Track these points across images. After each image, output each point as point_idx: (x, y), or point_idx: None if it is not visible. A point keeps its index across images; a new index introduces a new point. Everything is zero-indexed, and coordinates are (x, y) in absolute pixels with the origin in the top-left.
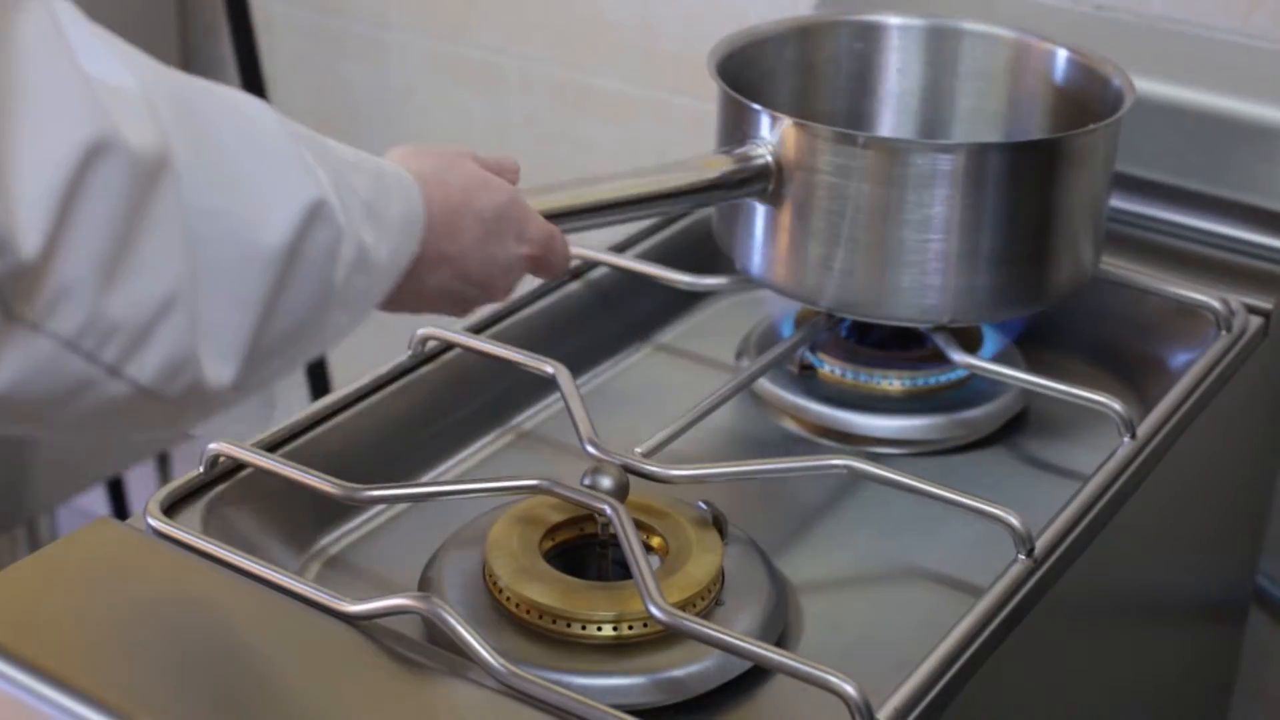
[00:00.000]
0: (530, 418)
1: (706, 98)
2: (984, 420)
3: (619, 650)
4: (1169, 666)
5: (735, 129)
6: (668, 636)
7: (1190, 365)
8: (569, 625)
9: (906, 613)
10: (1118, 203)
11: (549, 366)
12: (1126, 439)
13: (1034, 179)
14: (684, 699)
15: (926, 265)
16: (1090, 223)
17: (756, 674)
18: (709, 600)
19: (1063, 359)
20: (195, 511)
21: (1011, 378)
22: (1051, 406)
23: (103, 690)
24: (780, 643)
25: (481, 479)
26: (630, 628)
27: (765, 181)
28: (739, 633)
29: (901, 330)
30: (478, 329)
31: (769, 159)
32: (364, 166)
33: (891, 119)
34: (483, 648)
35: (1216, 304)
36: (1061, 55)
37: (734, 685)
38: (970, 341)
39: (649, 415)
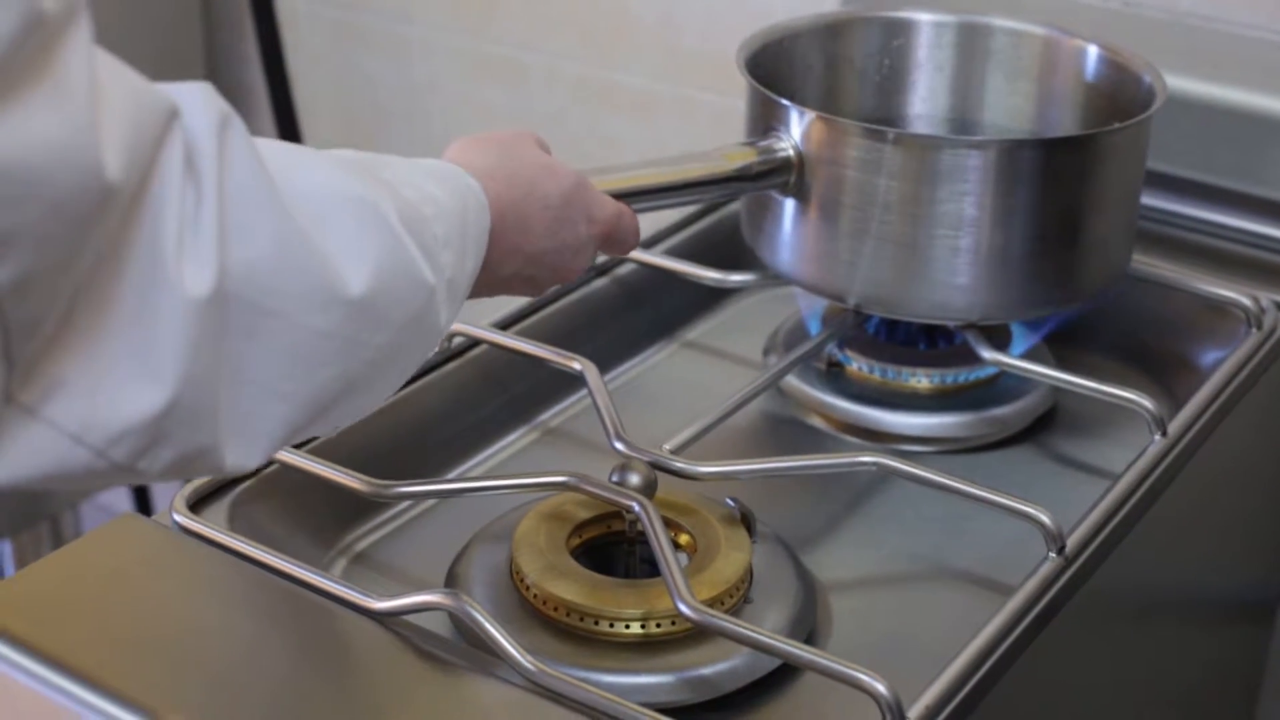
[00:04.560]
0: (558, 414)
1: (730, 94)
2: (1013, 418)
3: (647, 648)
4: (1197, 665)
5: (761, 123)
6: (696, 634)
7: (1221, 363)
8: (596, 623)
9: (936, 611)
10: (1147, 200)
11: (576, 363)
12: (1157, 437)
13: (1065, 176)
14: (713, 697)
15: (955, 263)
16: (1123, 220)
17: (785, 672)
18: (737, 598)
19: (1092, 356)
20: (221, 507)
21: (1041, 375)
22: (1081, 404)
23: (128, 687)
24: (809, 641)
25: (509, 475)
26: (658, 625)
27: (787, 174)
28: (768, 630)
29: (930, 327)
30: (505, 325)
31: (791, 152)
32: (434, 196)
33: (921, 115)
34: (510, 645)
35: (1247, 301)
36: (1093, 52)
37: (763, 684)
38: (999, 338)
39: (676, 412)
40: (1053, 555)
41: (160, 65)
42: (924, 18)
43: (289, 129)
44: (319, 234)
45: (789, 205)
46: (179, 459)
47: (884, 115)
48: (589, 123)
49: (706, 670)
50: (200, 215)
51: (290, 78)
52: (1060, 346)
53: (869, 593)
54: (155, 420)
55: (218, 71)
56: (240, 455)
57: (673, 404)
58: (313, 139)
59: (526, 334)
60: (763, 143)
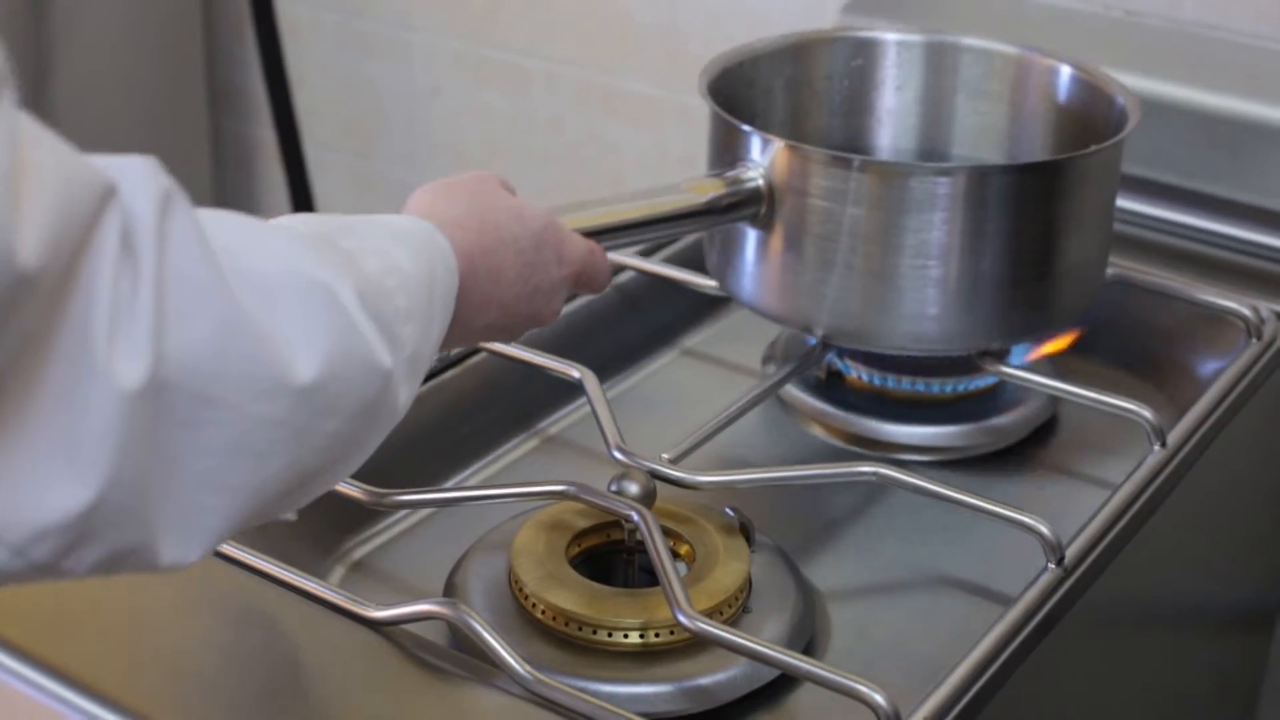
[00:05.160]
0: (556, 422)
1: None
2: (1013, 427)
3: (645, 657)
4: (1196, 674)
5: (726, 151)
6: (694, 644)
7: (1220, 373)
8: (595, 632)
9: (935, 621)
10: (1148, 208)
11: (575, 371)
12: (1157, 447)
13: (1037, 202)
14: (711, 707)
15: (927, 293)
16: (1097, 244)
17: (784, 682)
18: (736, 608)
19: (1091, 366)
20: None
21: (1041, 385)
22: (1080, 414)
23: (125, 694)
24: (808, 651)
25: (507, 484)
26: (657, 635)
27: (757, 205)
28: (766, 640)
29: None
30: None
31: (760, 182)
32: (399, 265)
33: (890, 137)
34: (508, 654)
35: (1247, 311)
36: (1065, 72)
37: (761, 693)
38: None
39: (675, 421)
40: (1052, 566)
41: (160, 71)
42: (889, 37)
43: (289, 135)
44: (266, 318)
45: (752, 233)
46: (107, 557)
47: (850, 138)
48: (590, 129)
49: (705, 680)
50: (136, 300)
51: (291, 83)
52: (1060, 356)
53: (868, 603)
54: (80, 518)
55: (217, 77)
56: (178, 552)
57: (672, 413)
58: (313, 145)
59: (525, 342)
60: (730, 173)
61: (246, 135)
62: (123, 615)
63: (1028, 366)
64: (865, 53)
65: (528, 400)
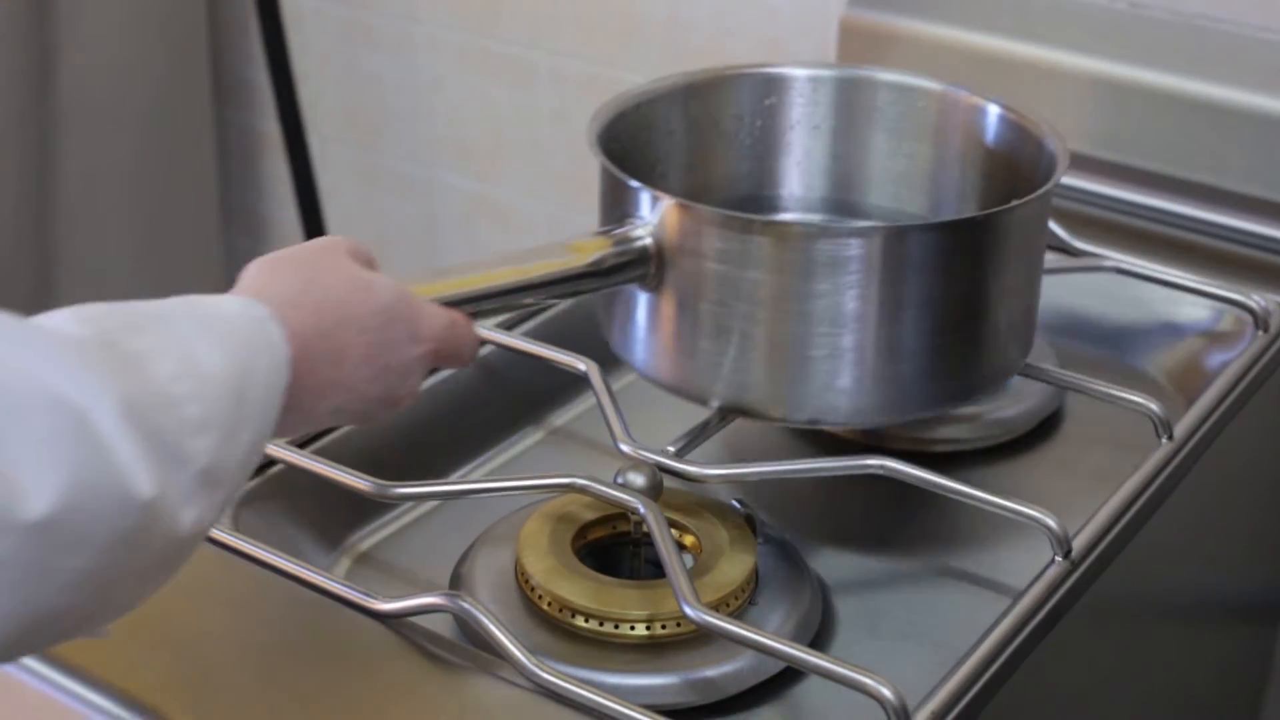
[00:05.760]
0: (562, 415)
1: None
2: (1019, 420)
3: (652, 650)
4: (1203, 668)
5: (614, 207)
6: (701, 636)
7: (1227, 365)
8: (601, 624)
9: (942, 614)
10: (1154, 201)
11: (581, 363)
12: (1163, 440)
13: (960, 261)
14: (717, 699)
15: (837, 364)
16: (1025, 302)
17: (790, 674)
18: (742, 600)
19: (1097, 359)
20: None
21: (1048, 377)
22: (1086, 407)
23: (132, 686)
24: (814, 644)
25: (513, 476)
26: (663, 627)
27: (644, 267)
28: (772, 633)
29: None
30: (509, 325)
31: (649, 241)
32: (198, 367)
33: (804, 182)
34: (514, 646)
35: (1254, 304)
36: (992, 112)
37: (767, 686)
38: None
39: (681, 413)
40: (1058, 559)
41: (165, 64)
42: (798, 73)
43: (293, 128)
44: None
45: (644, 297)
46: None
47: (760, 184)
48: None
49: (711, 672)
50: None
51: (295, 76)
52: (1066, 348)
53: (874, 596)
54: None
55: (222, 70)
56: None
57: (678, 405)
58: (318, 137)
59: (531, 334)
60: (618, 231)
61: (251, 128)
62: None
63: (1033, 360)
64: (777, 90)
65: (533, 393)
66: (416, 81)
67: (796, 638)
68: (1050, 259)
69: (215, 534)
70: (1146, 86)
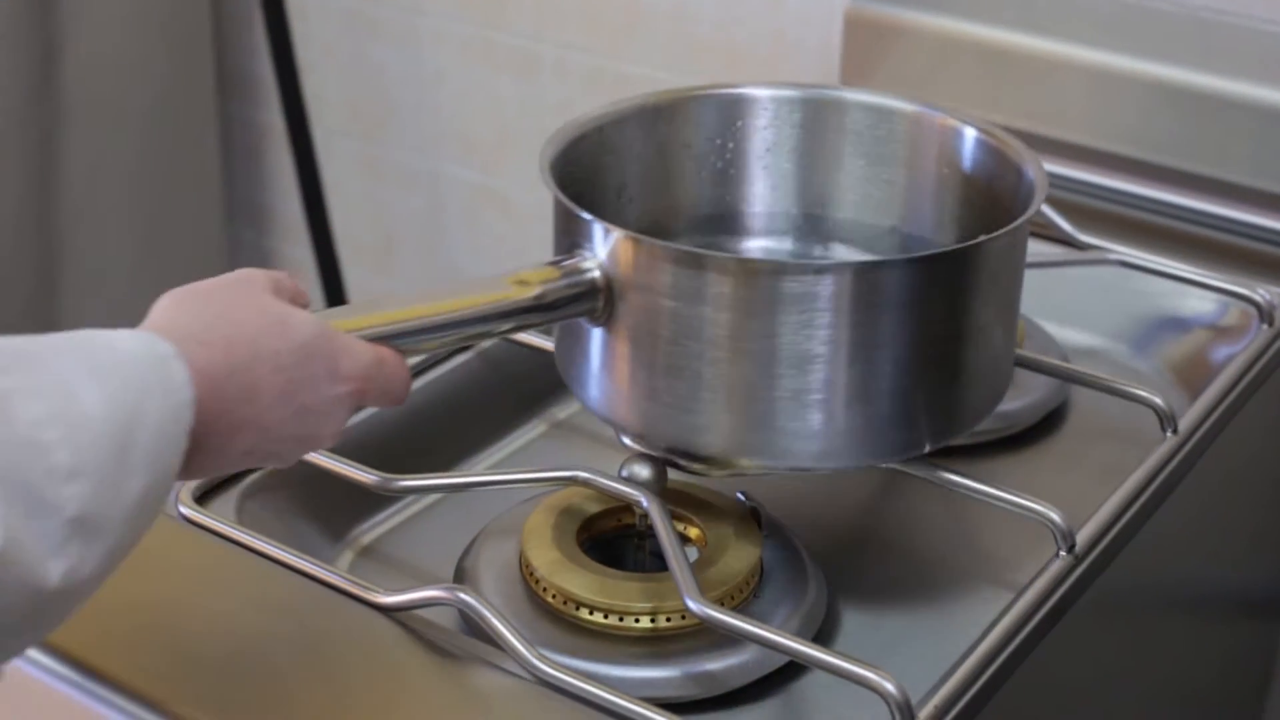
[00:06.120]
0: (566, 408)
1: (743, 85)
2: (1023, 413)
3: (655, 642)
4: (1207, 662)
5: (565, 235)
6: (704, 630)
7: (1232, 359)
8: (605, 617)
9: (946, 608)
10: (1161, 194)
11: None
12: (1168, 434)
13: (937, 297)
14: (720, 693)
15: (804, 407)
16: (1004, 335)
17: (793, 669)
18: (746, 593)
19: (1102, 352)
20: (228, 500)
21: (1052, 370)
22: (1091, 400)
23: (135, 678)
24: (818, 638)
25: (517, 469)
26: (667, 620)
27: (593, 301)
28: (776, 627)
29: None
30: None
31: (597, 274)
32: (75, 410)
33: (772, 207)
34: (517, 639)
35: (1259, 297)
36: (969, 135)
37: (771, 679)
38: None
39: None
40: (1063, 553)
41: (169, 57)
42: (763, 93)
43: (298, 121)
44: None
45: (598, 335)
46: None
47: (726, 208)
48: None
49: (714, 666)
50: None
51: (299, 68)
52: (1071, 342)
53: (877, 590)
54: None
55: (226, 63)
56: None
57: None
58: (322, 130)
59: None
60: (567, 262)
61: (255, 120)
62: (133, 600)
63: (1038, 352)
64: (745, 111)
65: (537, 386)
66: (421, 74)
67: (800, 632)
68: (1055, 252)
69: (218, 527)
70: (1152, 79)
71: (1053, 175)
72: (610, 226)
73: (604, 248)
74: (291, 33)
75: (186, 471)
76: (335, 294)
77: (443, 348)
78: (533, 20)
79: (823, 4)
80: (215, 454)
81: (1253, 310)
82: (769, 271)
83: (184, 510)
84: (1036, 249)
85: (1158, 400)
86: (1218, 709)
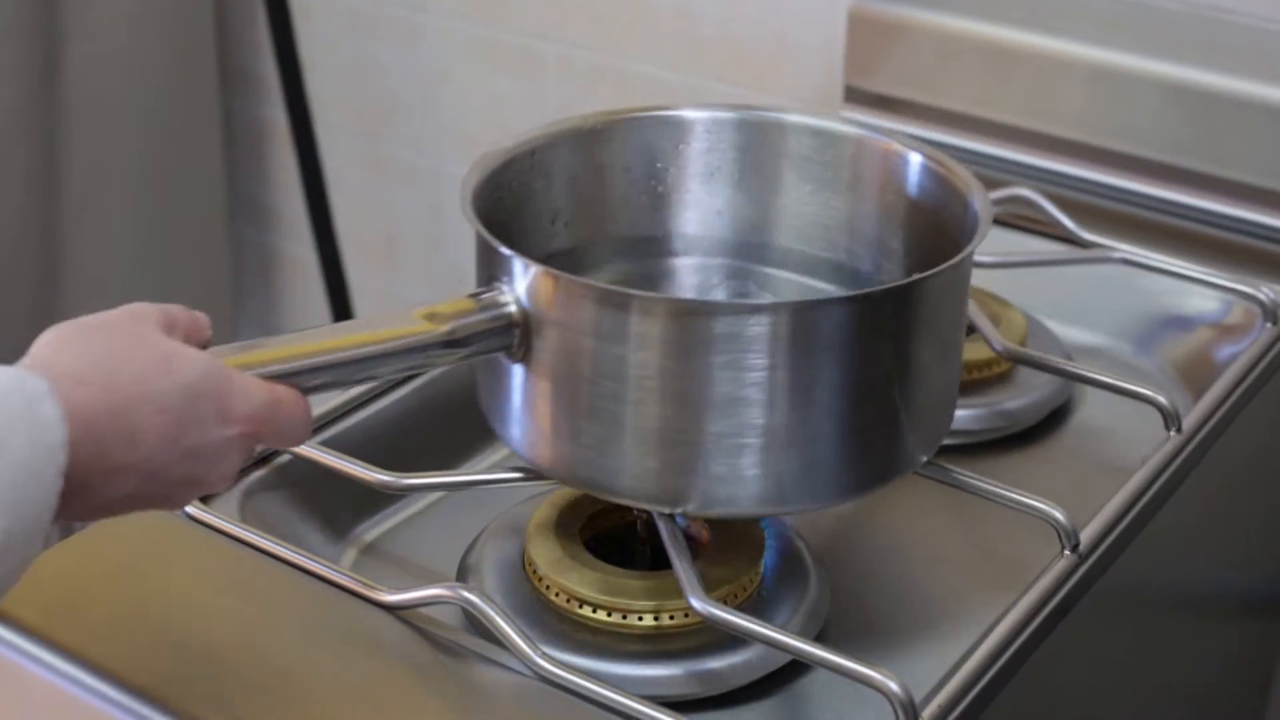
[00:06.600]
0: None
1: (746, 85)
2: (1026, 412)
3: (659, 640)
4: (1210, 661)
5: (484, 267)
6: (708, 628)
7: (1236, 357)
8: (609, 615)
9: (949, 608)
10: (1164, 192)
11: None
12: (1172, 432)
13: (879, 335)
14: (723, 691)
15: (739, 450)
16: (948, 371)
17: (796, 667)
18: (750, 591)
19: (1106, 350)
20: (231, 498)
21: (1056, 369)
22: (1094, 399)
23: (138, 676)
24: (821, 636)
25: (520, 467)
26: (670, 618)
27: (509, 337)
28: (779, 626)
29: None
30: None
31: (513, 309)
32: None
33: (710, 234)
34: (520, 637)
35: (1263, 295)
36: (914, 161)
37: (773, 678)
38: (1013, 329)
39: None
40: (1066, 552)
41: (172, 54)
42: (697, 115)
43: (300, 118)
44: None
45: (518, 372)
46: None
47: (662, 235)
48: None
49: (717, 664)
50: None
51: (302, 66)
52: (1075, 340)
53: (881, 588)
54: None
55: (229, 60)
56: None
57: None
58: (325, 127)
59: None
60: (485, 296)
61: (258, 118)
62: (135, 598)
63: (1041, 350)
64: (684, 134)
65: None
66: (424, 72)
67: (803, 630)
68: (1058, 250)
69: (221, 525)
70: (1156, 77)
71: (1056, 173)
72: (529, 261)
73: (522, 282)
74: (295, 30)
75: (65, 513)
76: (338, 291)
77: (345, 385)
78: (536, 19)
79: (826, 2)
80: (95, 496)
81: (1256, 309)
82: (693, 312)
83: (187, 508)
84: (1040, 247)
85: (1161, 399)
86: (1220, 707)
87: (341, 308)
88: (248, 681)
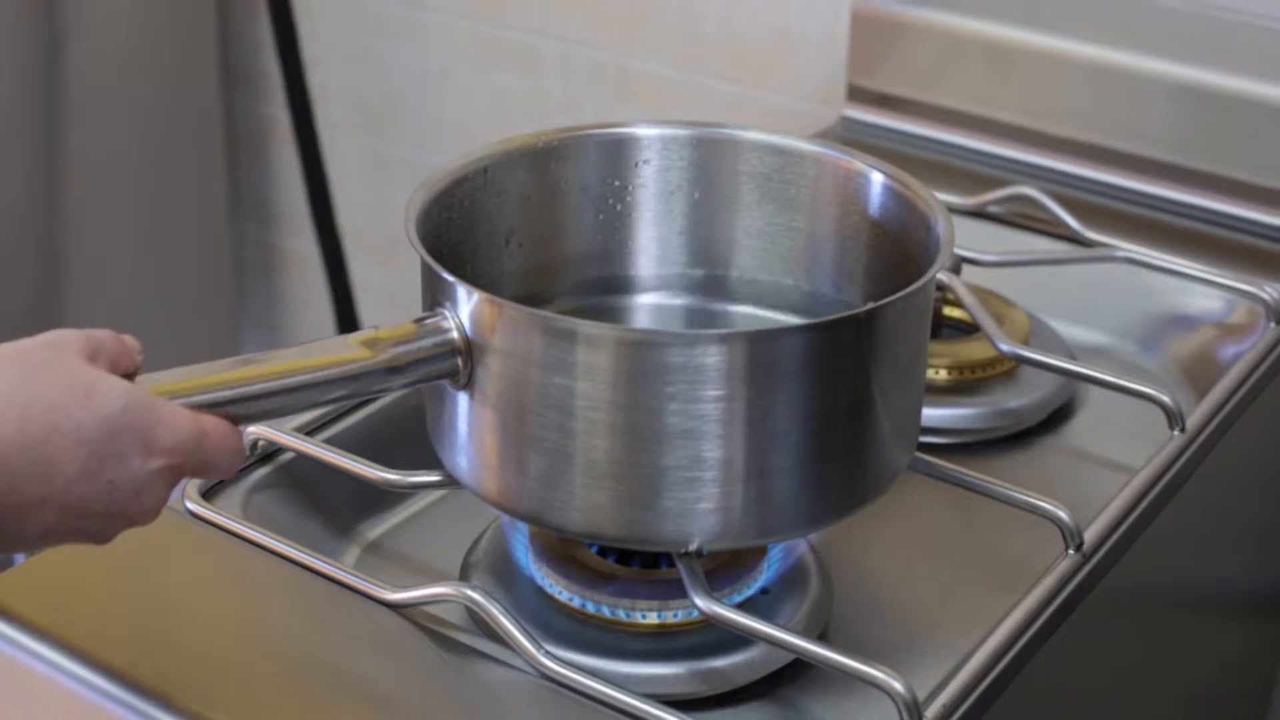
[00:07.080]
0: None
1: (747, 83)
2: (1029, 411)
3: (662, 639)
4: (1214, 660)
5: (428, 291)
6: (711, 626)
7: (1239, 357)
8: (612, 613)
9: (953, 607)
10: (1168, 192)
11: None
12: (1175, 432)
13: (839, 364)
14: (726, 690)
15: (694, 483)
16: (911, 397)
17: (800, 666)
18: (753, 590)
19: (1109, 349)
20: (234, 496)
21: (1059, 368)
22: (1098, 398)
23: (140, 673)
24: (824, 635)
25: None
26: (674, 616)
27: (451, 364)
28: (783, 625)
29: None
30: None
31: (455, 335)
32: None
33: (657, 256)
34: (523, 635)
35: (1266, 295)
36: (877, 181)
37: (777, 677)
38: (1016, 328)
39: None
40: (1070, 551)
41: (173, 51)
42: (651, 132)
43: (302, 115)
44: None
45: (463, 401)
46: None
47: (620, 255)
48: (604, 109)
49: (721, 662)
50: None
51: (304, 63)
52: (1078, 339)
53: (884, 587)
54: None
55: (231, 56)
56: None
57: None
58: (326, 124)
59: None
60: (429, 321)
61: (260, 114)
62: (139, 595)
63: (1044, 349)
64: (641, 152)
65: None
66: (425, 69)
67: (806, 629)
68: (1061, 249)
69: (224, 522)
70: (1159, 76)
71: (1060, 172)
72: (471, 288)
73: (465, 308)
74: (297, 26)
75: None
76: (341, 289)
77: (280, 414)
78: (537, 16)
79: (829, 0)
80: (10, 532)
81: (1260, 308)
82: (642, 343)
83: (190, 506)
84: (1043, 246)
85: (1165, 398)
86: (1224, 706)
87: (344, 304)
88: (250, 679)
